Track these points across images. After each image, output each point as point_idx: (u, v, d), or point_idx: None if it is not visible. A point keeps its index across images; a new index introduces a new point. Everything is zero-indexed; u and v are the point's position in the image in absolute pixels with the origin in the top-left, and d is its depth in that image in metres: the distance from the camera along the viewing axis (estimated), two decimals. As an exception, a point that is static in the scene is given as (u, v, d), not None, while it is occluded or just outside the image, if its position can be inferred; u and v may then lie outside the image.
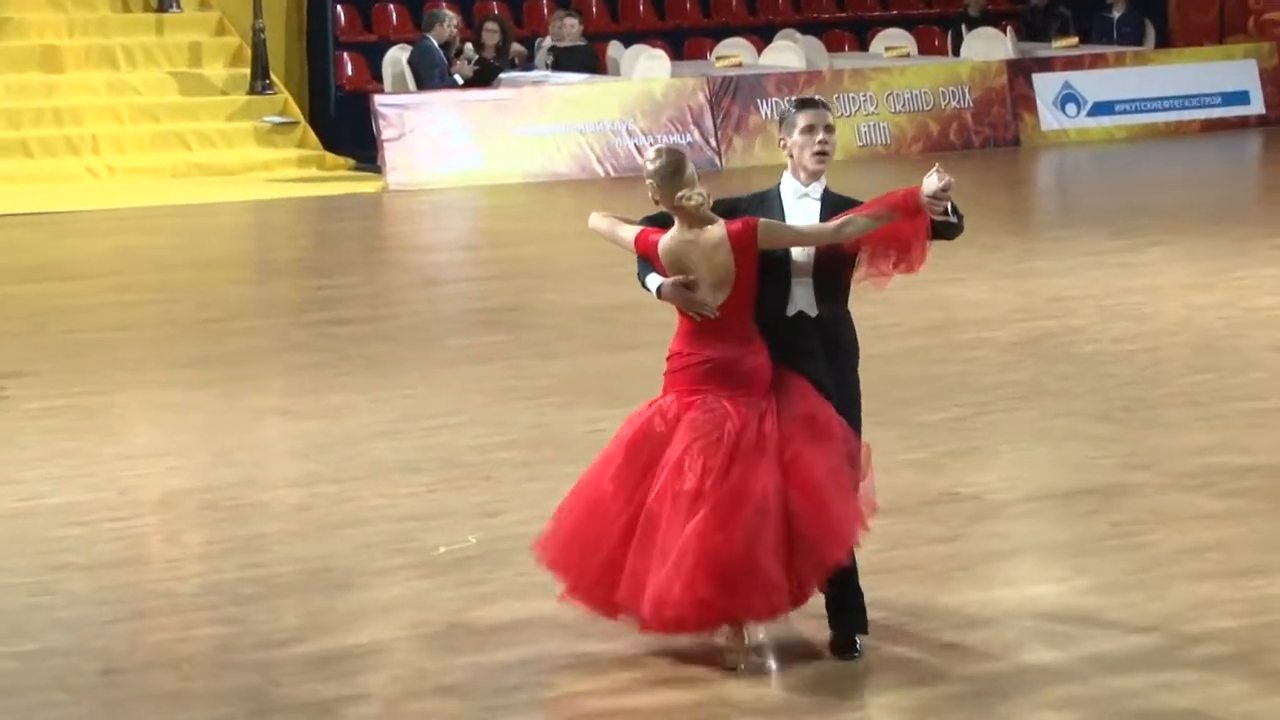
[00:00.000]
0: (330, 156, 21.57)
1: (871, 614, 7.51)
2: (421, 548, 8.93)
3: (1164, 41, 25.38)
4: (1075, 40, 24.46)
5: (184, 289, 15.34)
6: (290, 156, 21.52)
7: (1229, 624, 7.74)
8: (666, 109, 21.57)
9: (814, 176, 7.34)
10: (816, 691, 7.17)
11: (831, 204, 7.32)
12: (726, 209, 7.37)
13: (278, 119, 21.75)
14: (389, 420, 11.20)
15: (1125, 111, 23.47)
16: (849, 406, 7.35)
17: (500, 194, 20.08)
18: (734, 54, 23.24)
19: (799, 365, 7.33)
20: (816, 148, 7.31)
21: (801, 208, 7.34)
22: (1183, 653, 7.48)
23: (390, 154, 20.43)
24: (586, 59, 22.70)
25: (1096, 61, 23.62)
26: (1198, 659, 7.42)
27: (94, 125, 21.11)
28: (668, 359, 7.48)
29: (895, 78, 22.67)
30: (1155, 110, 23.61)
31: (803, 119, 7.32)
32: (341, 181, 20.85)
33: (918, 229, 7.15)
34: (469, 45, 21.79)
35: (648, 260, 7.49)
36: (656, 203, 7.41)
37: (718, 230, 7.27)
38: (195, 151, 21.22)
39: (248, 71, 21.96)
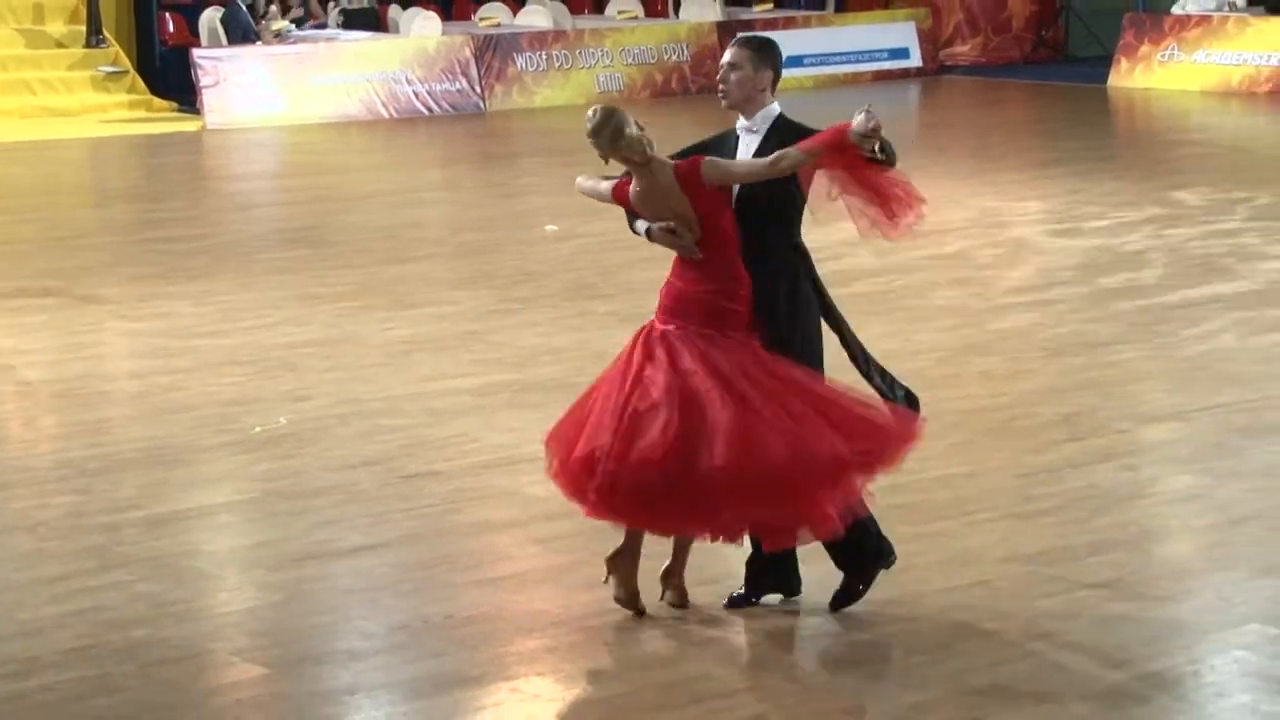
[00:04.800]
0: (156, 101, 21.16)
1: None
2: (241, 428, 8.80)
3: (841, 6, 25.61)
4: (771, 5, 24.64)
5: (34, 212, 14.97)
6: (122, 101, 21.07)
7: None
8: (439, 61, 21.34)
9: (731, 110, 6.25)
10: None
11: (778, 134, 6.17)
12: (694, 149, 6.29)
13: (111, 69, 21.29)
14: (211, 322, 11.01)
15: (812, 64, 23.64)
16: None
17: (301, 133, 19.81)
18: (494, 15, 23.07)
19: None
20: (720, 85, 6.29)
21: (745, 142, 6.23)
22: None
23: (208, 99, 20.13)
24: (371, 19, 22.47)
25: (788, 23, 23.76)
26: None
27: (-49, 74, 20.58)
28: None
29: (626, 36, 22.63)
30: (835, 64, 23.81)
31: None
32: (166, 122, 20.46)
33: (851, 163, 6.06)
34: (273, 8, 21.48)
35: (629, 209, 6.33)
36: (605, 161, 6.27)
37: (667, 173, 6.18)
38: (40, 96, 20.76)
39: (84, 28, 21.48)
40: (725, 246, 6.18)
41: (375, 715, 5.75)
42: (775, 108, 6.29)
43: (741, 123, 6.27)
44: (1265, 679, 5.88)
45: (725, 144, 6.30)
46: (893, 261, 12.51)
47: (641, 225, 6.26)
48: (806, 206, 6.28)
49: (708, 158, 6.19)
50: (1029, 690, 5.80)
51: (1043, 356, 10.01)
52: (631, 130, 6.18)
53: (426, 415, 8.95)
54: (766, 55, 6.29)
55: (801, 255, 6.29)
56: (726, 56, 6.29)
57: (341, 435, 8.66)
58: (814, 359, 6.28)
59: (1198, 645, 6.16)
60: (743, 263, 6.18)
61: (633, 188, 6.27)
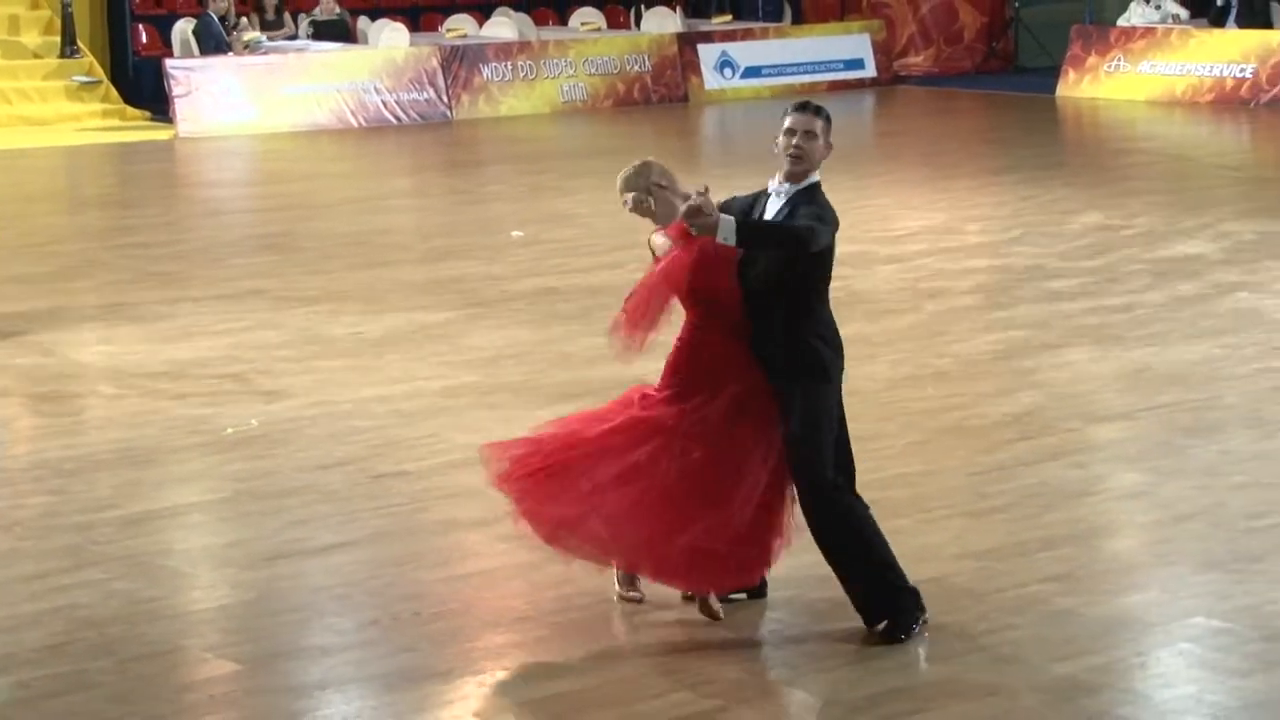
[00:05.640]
0: (129, 110, 21.09)
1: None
2: (213, 429, 8.78)
3: (798, 18, 25.65)
4: (729, 17, 24.67)
5: (9, 218, 14.88)
6: (96, 110, 20.99)
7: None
8: (407, 72, 21.31)
9: (788, 177, 6.13)
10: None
11: (790, 209, 6.12)
12: (722, 206, 6.20)
13: (85, 79, 21.21)
14: (183, 325, 10.98)
15: (769, 75, 23.67)
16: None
17: (272, 141, 19.76)
18: (460, 27, 23.07)
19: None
20: (791, 150, 6.11)
21: (771, 205, 6.18)
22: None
23: (180, 108, 20.05)
24: (341, 30, 22.48)
25: (746, 34, 23.79)
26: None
27: (-72, 84, 20.47)
28: None
29: (589, 47, 22.62)
30: (792, 74, 23.84)
31: (788, 121, 6.13)
32: (139, 130, 20.37)
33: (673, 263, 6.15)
34: (244, 20, 21.47)
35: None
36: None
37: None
38: (15, 105, 20.68)
39: (58, 39, 21.41)
40: (687, 308, 6.23)
41: (346, 710, 5.74)
42: (816, 176, 6.19)
43: (774, 185, 6.18)
44: (1209, 670, 5.92)
45: (752, 203, 6.25)
46: (848, 264, 12.54)
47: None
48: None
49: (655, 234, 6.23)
50: (981, 682, 5.83)
51: (995, 358, 10.05)
52: (631, 178, 6.27)
53: (395, 416, 8.94)
54: (831, 129, 6.20)
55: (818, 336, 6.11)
56: (801, 123, 6.13)
57: (312, 436, 8.64)
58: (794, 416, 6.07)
59: (1144, 638, 6.20)
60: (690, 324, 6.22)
61: None
